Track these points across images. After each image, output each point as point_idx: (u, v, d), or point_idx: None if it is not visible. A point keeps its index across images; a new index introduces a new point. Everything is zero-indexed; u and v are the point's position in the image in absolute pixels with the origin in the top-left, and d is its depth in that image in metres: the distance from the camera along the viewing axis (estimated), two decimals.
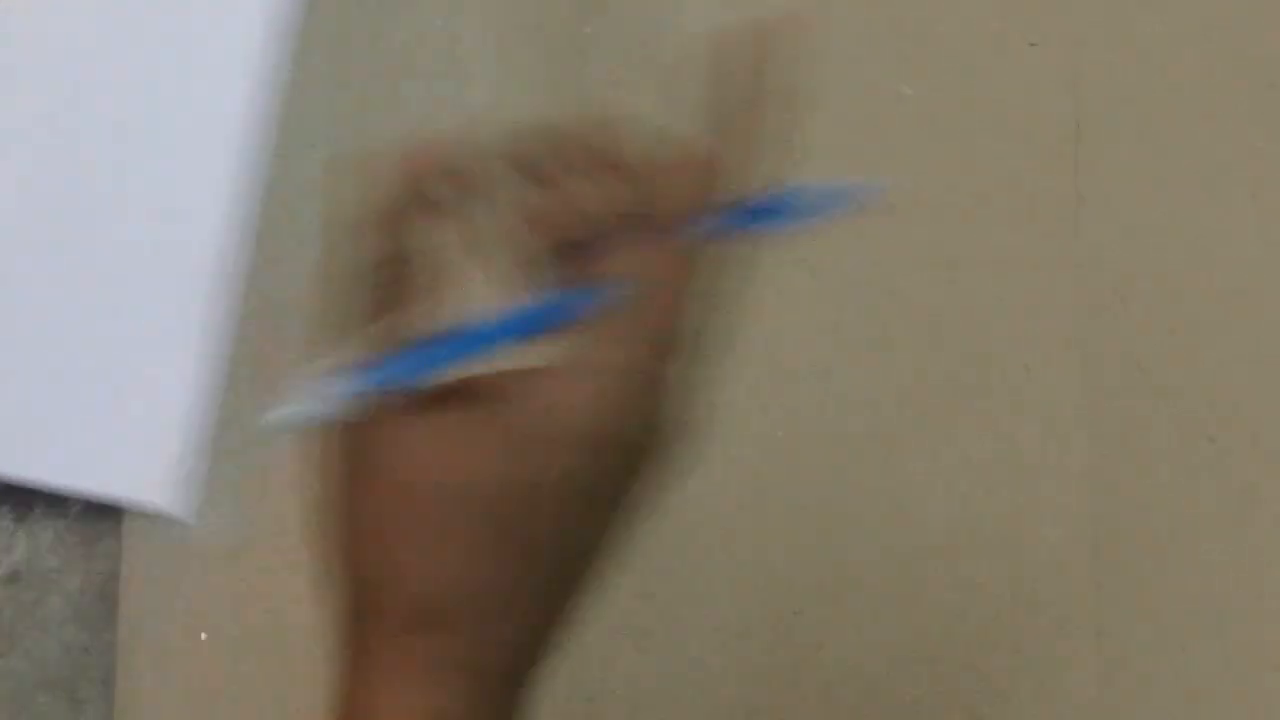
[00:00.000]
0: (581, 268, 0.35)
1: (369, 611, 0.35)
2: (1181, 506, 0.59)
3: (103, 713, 0.57)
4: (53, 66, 0.59)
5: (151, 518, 0.57)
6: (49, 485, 0.57)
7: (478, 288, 0.33)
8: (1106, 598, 0.58)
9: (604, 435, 0.34)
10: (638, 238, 0.35)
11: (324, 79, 0.59)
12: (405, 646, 0.34)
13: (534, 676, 0.35)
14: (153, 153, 0.59)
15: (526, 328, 0.35)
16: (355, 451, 0.35)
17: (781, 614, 0.57)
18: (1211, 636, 0.58)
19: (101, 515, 0.58)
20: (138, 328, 0.58)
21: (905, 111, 0.60)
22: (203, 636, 0.56)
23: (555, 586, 0.35)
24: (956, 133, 0.60)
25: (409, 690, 0.34)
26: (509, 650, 0.35)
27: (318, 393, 0.35)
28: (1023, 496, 0.58)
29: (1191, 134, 0.61)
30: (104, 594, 0.58)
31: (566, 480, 0.34)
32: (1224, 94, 0.61)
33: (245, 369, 0.58)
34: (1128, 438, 0.59)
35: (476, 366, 0.34)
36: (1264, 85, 0.61)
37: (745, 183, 0.35)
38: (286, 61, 0.59)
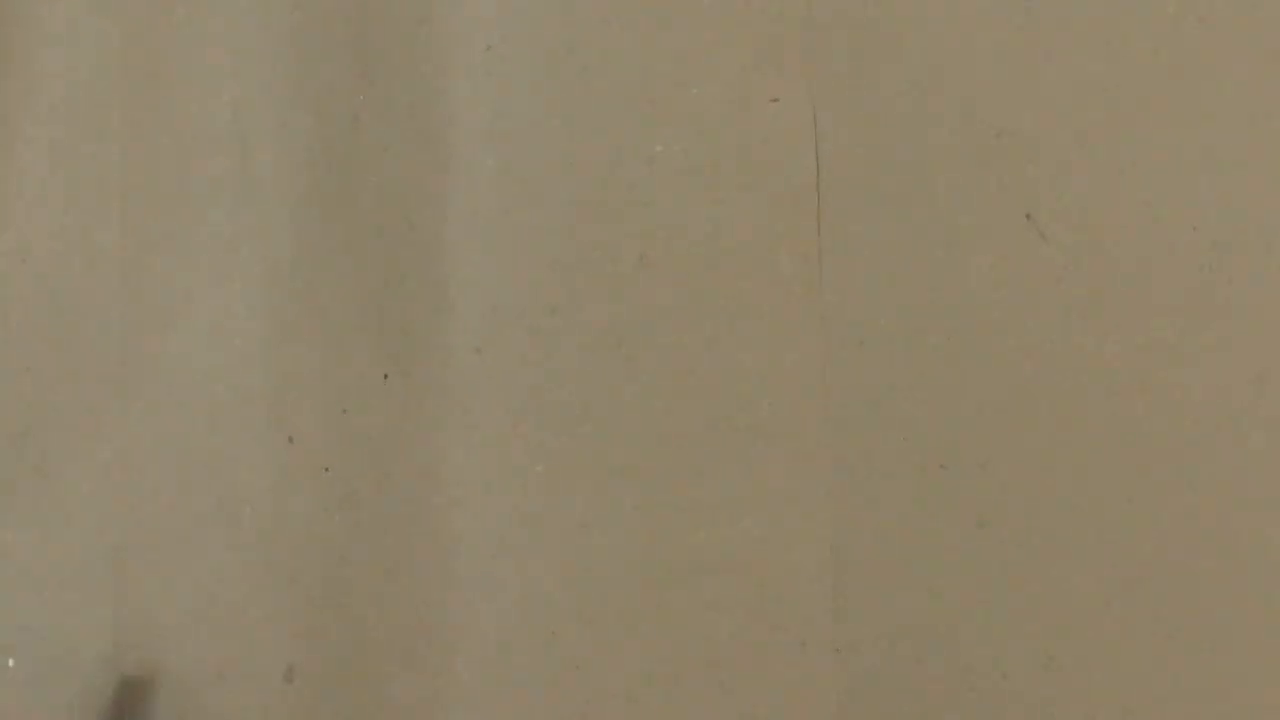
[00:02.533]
0: None
1: None
2: (916, 530, 0.63)
3: None
4: None
5: None
6: None
7: None
8: (845, 618, 0.62)
9: None
10: None
11: (114, 166, 0.64)
12: None
13: None
14: None
15: None
16: None
17: (541, 635, 0.61)
18: (943, 649, 0.62)
19: None
20: None
21: (658, 168, 0.65)
22: (10, 662, 0.62)
23: None
24: (705, 186, 0.65)
25: None
26: None
27: None
28: (766, 524, 0.63)
29: (925, 183, 0.65)
30: None
31: None
32: (953, 146, 0.65)
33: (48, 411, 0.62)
34: (867, 468, 0.63)
35: None
36: (991, 134, 0.65)
37: None
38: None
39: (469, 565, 0.62)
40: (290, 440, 0.62)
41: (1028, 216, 0.62)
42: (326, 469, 0.62)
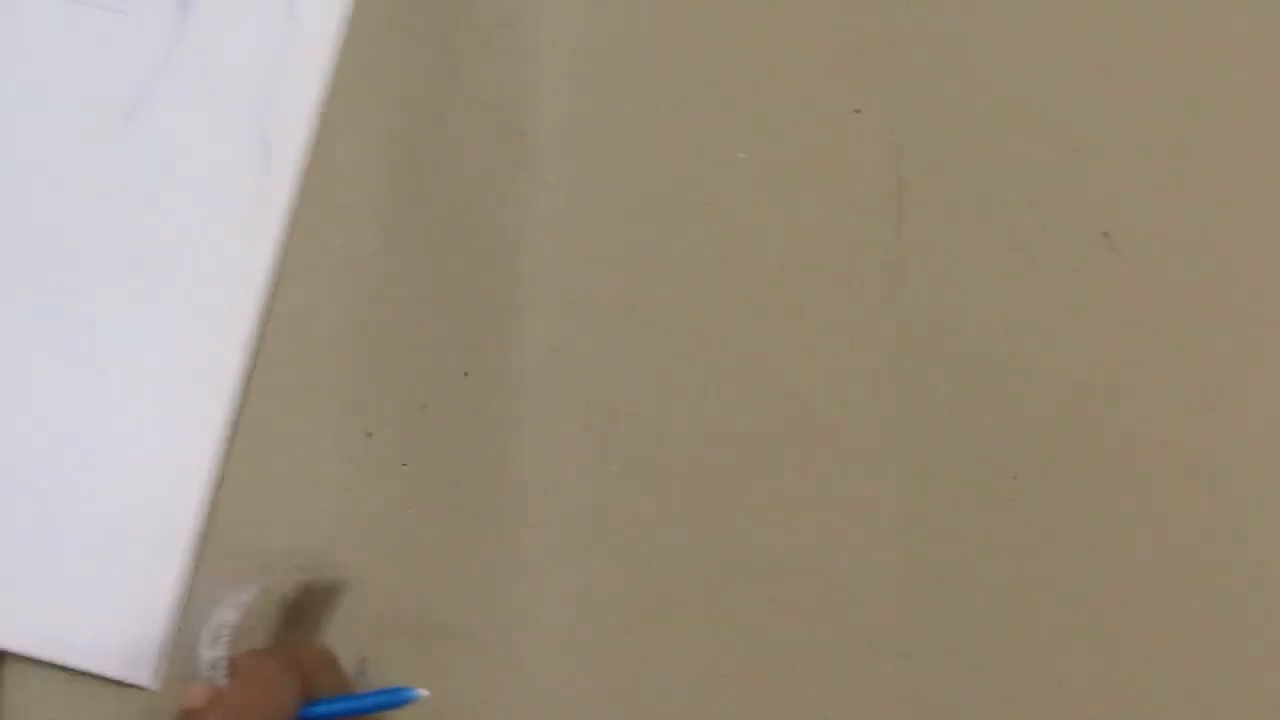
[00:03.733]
0: None
1: None
2: (984, 538, 0.64)
3: None
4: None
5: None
6: (24, 652, 0.61)
7: None
8: (912, 622, 0.63)
9: None
10: None
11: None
12: None
13: None
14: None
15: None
16: None
17: (611, 632, 0.62)
18: (1006, 658, 0.63)
19: None
20: (122, 499, 0.62)
21: (739, 173, 0.65)
22: None
23: None
24: (786, 193, 0.65)
25: None
26: None
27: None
28: (835, 527, 0.63)
29: (1003, 196, 0.66)
30: None
31: None
32: (1032, 159, 0.66)
33: None
34: (937, 475, 0.64)
35: None
36: (1069, 149, 0.66)
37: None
38: None
39: (540, 561, 0.63)
40: (368, 435, 0.63)
41: (1105, 234, 0.63)
42: (404, 464, 0.62)
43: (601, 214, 0.64)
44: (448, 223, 0.65)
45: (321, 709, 0.58)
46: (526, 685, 0.62)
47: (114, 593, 0.62)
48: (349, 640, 0.64)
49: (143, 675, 0.62)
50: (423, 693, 0.59)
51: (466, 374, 0.64)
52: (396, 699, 0.60)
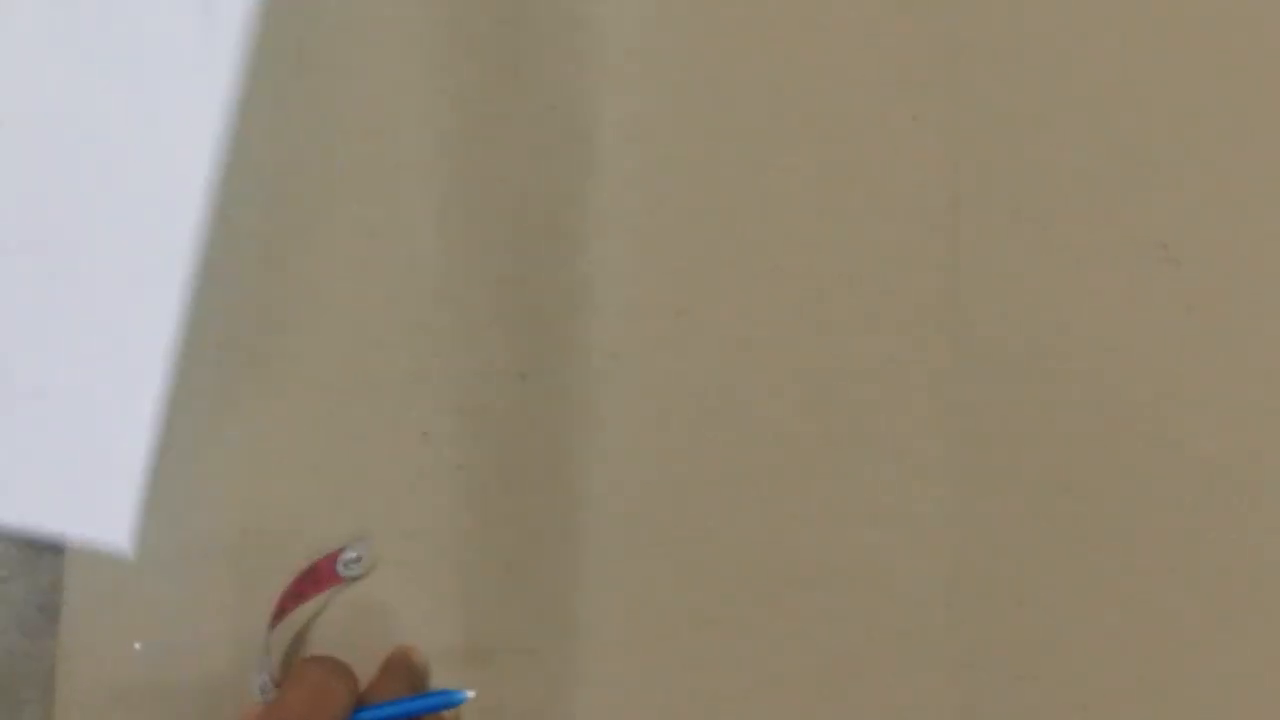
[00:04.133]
0: None
1: None
2: (1036, 548, 0.64)
3: (41, 714, 0.62)
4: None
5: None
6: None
7: None
8: (964, 631, 0.63)
9: None
10: None
11: (265, 139, 0.64)
12: None
13: None
14: (113, 192, 0.63)
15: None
16: None
17: (663, 637, 0.62)
18: (1059, 667, 0.64)
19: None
20: (90, 362, 0.62)
21: (795, 179, 0.65)
22: (136, 646, 0.62)
23: None
24: (842, 199, 0.65)
25: None
26: None
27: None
28: (889, 536, 0.64)
29: (1060, 206, 0.66)
30: (45, 605, 0.63)
31: None
32: (1091, 170, 0.66)
33: (182, 393, 0.63)
34: (989, 484, 0.64)
35: None
36: (1133, 162, 0.66)
37: None
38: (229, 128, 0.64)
39: (596, 567, 0.63)
40: (424, 436, 0.62)
41: (1163, 245, 0.63)
42: (460, 466, 0.62)
43: (660, 218, 0.64)
44: (508, 226, 0.65)
45: (371, 713, 0.58)
46: (580, 691, 0.63)
47: (86, 459, 0.62)
48: (402, 642, 0.63)
49: (121, 540, 0.61)
50: (470, 694, 0.59)
51: (524, 377, 0.64)
52: (446, 701, 0.60)
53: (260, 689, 0.60)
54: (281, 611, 0.62)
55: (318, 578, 0.63)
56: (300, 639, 0.64)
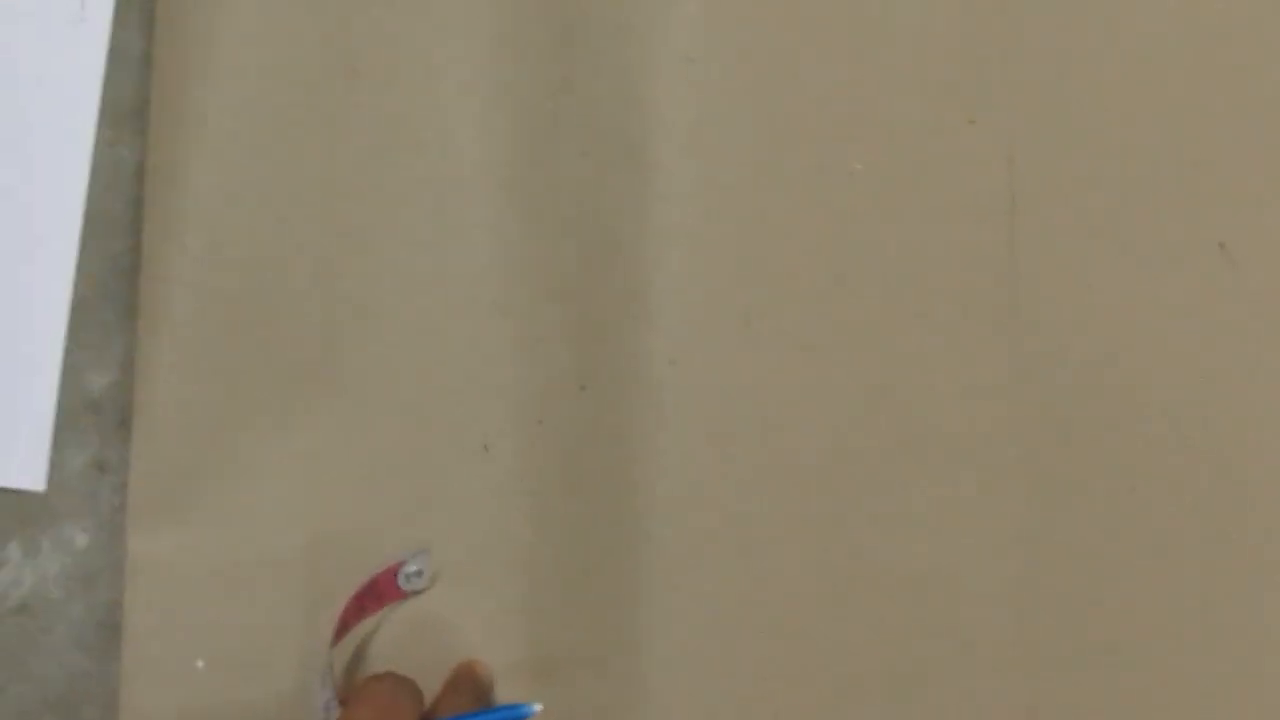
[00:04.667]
0: None
1: None
2: (1105, 552, 0.64)
3: None
4: None
5: (153, 554, 0.61)
6: None
7: None
8: (1035, 637, 0.63)
9: None
10: None
11: (318, 154, 0.64)
12: None
13: None
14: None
15: None
16: None
17: (731, 646, 0.62)
18: (1137, 673, 0.63)
19: (106, 550, 0.62)
20: None
21: (856, 184, 0.65)
22: (199, 664, 0.61)
23: None
24: (901, 204, 0.65)
25: None
26: None
27: None
28: (957, 541, 0.63)
29: (1119, 210, 0.66)
30: (106, 624, 0.62)
31: None
32: (1150, 172, 0.66)
33: (243, 409, 0.62)
34: (1057, 488, 0.64)
35: None
36: (1189, 163, 0.66)
37: None
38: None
39: (660, 575, 0.62)
40: (485, 448, 0.62)
41: (1221, 245, 0.63)
42: (521, 478, 0.62)
43: (718, 225, 0.64)
44: (563, 236, 0.64)
45: None
46: (647, 702, 0.62)
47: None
48: (465, 656, 0.63)
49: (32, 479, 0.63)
50: (538, 707, 0.59)
51: (584, 388, 0.63)
52: (514, 715, 0.59)
53: (325, 707, 0.60)
54: (344, 627, 0.62)
55: (378, 592, 0.63)
56: (362, 655, 0.63)
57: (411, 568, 0.63)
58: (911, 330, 0.64)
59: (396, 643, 0.64)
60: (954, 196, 0.65)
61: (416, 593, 0.63)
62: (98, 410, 0.64)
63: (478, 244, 0.65)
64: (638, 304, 0.64)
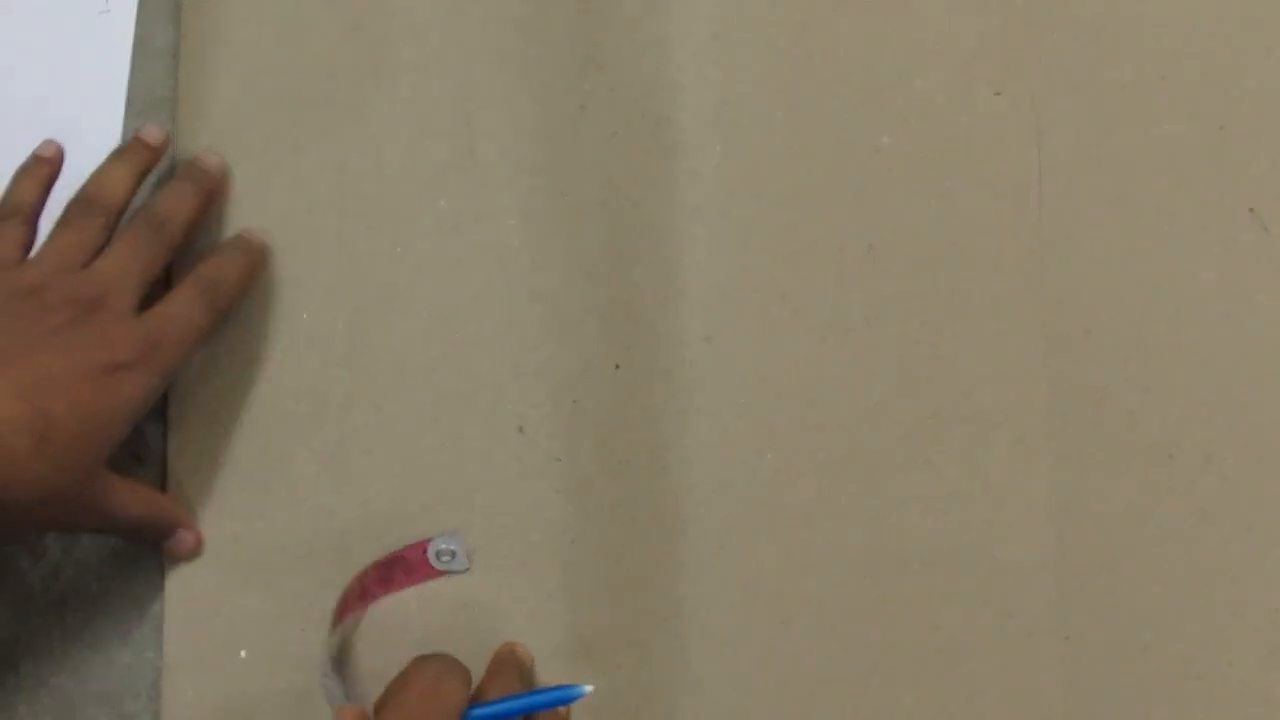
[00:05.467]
0: None
1: None
2: (1141, 520, 0.64)
3: None
4: None
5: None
6: None
7: None
8: (1072, 606, 0.63)
9: None
10: None
11: (346, 141, 0.64)
12: None
13: None
14: None
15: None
16: None
17: (771, 624, 0.62)
18: (1169, 640, 0.63)
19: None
20: None
21: (884, 158, 0.65)
22: (242, 654, 0.61)
23: None
24: (930, 178, 0.65)
25: None
26: None
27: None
28: (992, 513, 0.63)
29: (1146, 177, 0.66)
30: (147, 615, 0.62)
31: None
32: (1178, 138, 0.66)
33: (277, 398, 0.62)
34: (1091, 458, 0.64)
35: None
36: (1214, 127, 0.66)
37: None
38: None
39: (698, 554, 0.62)
40: (520, 430, 0.62)
41: (1251, 210, 0.63)
42: (558, 459, 0.62)
43: (748, 202, 0.64)
44: (594, 215, 0.64)
45: (487, 709, 0.58)
46: (687, 680, 0.62)
47: None
48: (506, 639, 0.63)
49: None
50: (589, 689, 0.59)
51: (618, 367, 0.63)
52: (563, 697, 0.59)
53: (326, 694, 0.59)
54: (364, 596, 0.61)
55: (408, 566, 0.62)
56: (402, 639, 0.63)
57: (443, 545, 0.62)
58: (942, 303, 0.64)
59: (436, 626, 0.63)
60: (982, 168, 0.65)
61: (453, 573, 0.63)
62: None
63: (507, 227, 0.65)
64: (670, 283, 0.64)
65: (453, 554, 0.62)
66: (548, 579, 0.63)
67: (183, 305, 0.59)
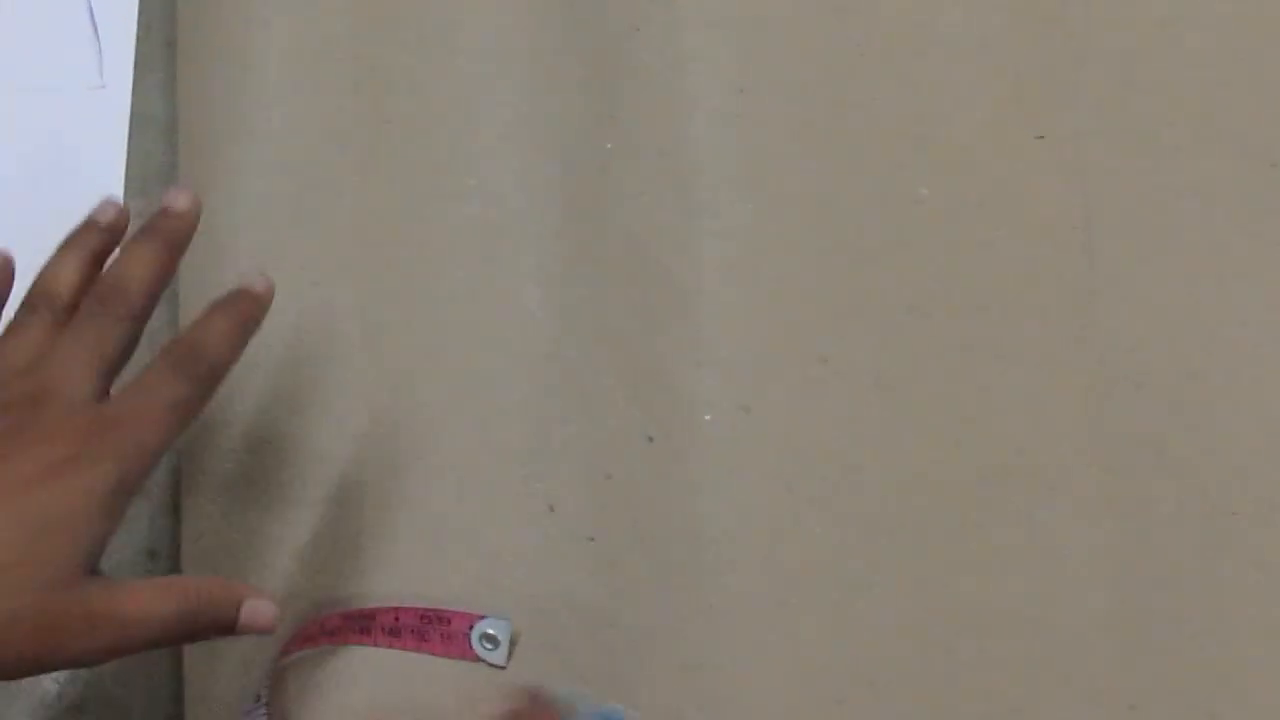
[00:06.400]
0: None
1: None
2: (1205, 578, 0.61)
3: None
4: None
5: (211, 647, 0.59)
6: None
7: None
8: (1135, 671, 0.60)
9: None
10: None
11: (351, 206, 0.61)
12: None
13: None
14: None
15: None
16: None
17: (825, 702, 0.59)
18: (1237, 703, 0.60)
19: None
20: None
21: (922, 211, 0.62)
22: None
23: None
24: (971, 229, 0.62)
25: None
26: None
27: None
28: (1049, 575, 0.60)
29: (1197, 218, 0.63)
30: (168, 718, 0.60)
31: None
32: (1228, 177, 0.63)
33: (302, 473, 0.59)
34: (1149, 514, 0.61)
35: None
36: (1265, 165, 0.63)
37: None
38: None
39: (743, 632, 0.60)
40: (551, 509, 0.59)
41: None
42: (590, 538, 0.59)
43: (782, 261, 0.61)
44: (619, 279, 0.61)
45: None
46: None
47: None
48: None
49: None
50: (632, 712, 0.57)
51: (651, 439, 0.60)
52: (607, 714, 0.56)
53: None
54: (387, 635, 0.58)
55: (449, 636, 0.59)
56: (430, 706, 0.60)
57: (490, 629, 0.59)
58: (988, 359, 0.61)
59: (466, 700, 0.60)
60: (1025, 216, 0.62)
61: (488, 665, 0.60)
62: (147, 496, 0.61)
63: (528, 295, 0.62)
64: (703, 349, 0.61)
65: (496, 643, 0.59)
66: (578, 662, 0.60)
67: (152, 379, 0.52)
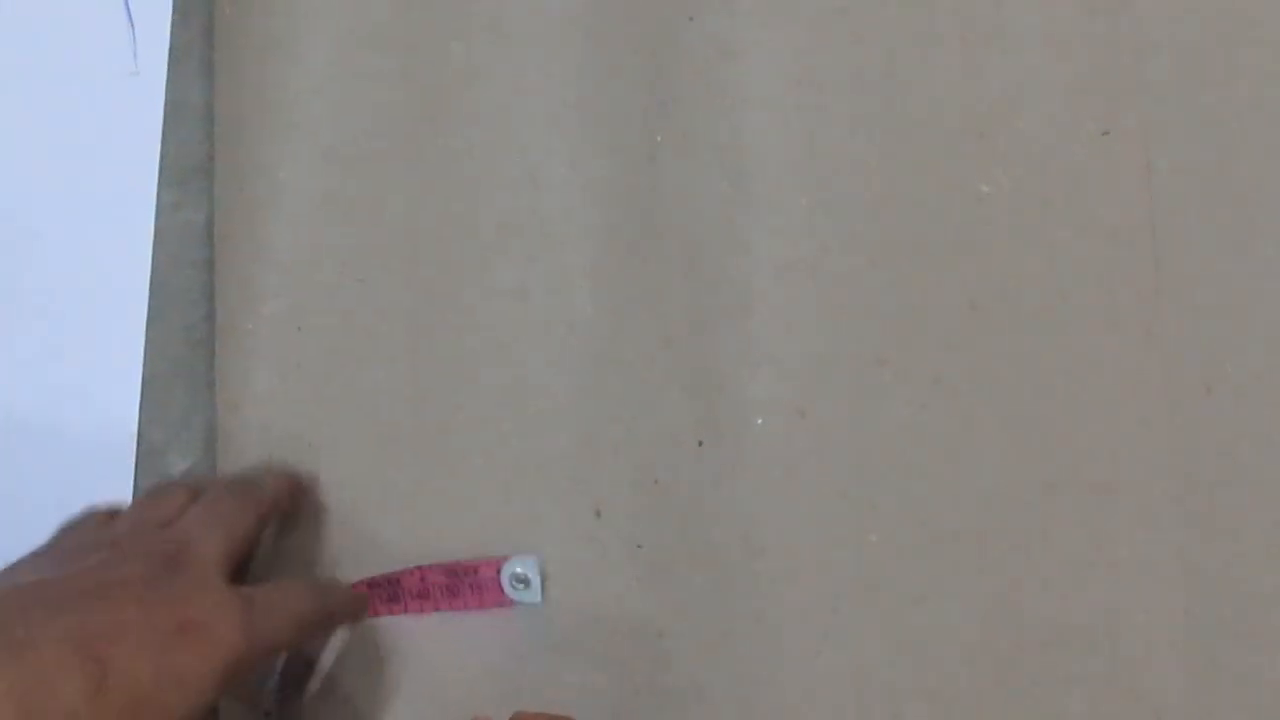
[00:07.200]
0: None
1: None
2: (1278, 590, 0.58)
3: None
4: None
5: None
6: None
7: None
8: (1205, 686, 0.58)
9: None
10: None
11: (402, 201, 0.59)
12: None
13: None
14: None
15: None
16: None
17: (881, 717, 0.57)
18: None
19: None
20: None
21: (985, 208, 0.60)
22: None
23: None
24: (1034, 227, 0.60)
25: None
26: None
27: None
28: (1116, 587, 0.58)
29: (1267, 216, 0.60)
30: None
31: None
32: None
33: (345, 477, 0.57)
34: (1220, 524, 0.59)
35: None
36: None
37: None
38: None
39: (798, 644, 0.57)
40: (598, 514, 0.57)
41: None
42: (639, 545, 0.56)
43: (839, 259, 0.58)
44: (671, 277, 0.59)
45: None
46: None
47: None
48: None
49: None
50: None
51: (701, 444, 0.58)
52: None
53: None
54: (422, 596, 0.56)
55: (479, 585, 0.57)
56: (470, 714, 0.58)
57: (518, 568, 0.57)
58: (1053, 362, 0.59)
59: (510, 709, 0.58)
60: (1090, 213, 0.60)
61: (524, 604, 0.58)
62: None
63: (578, 292, 0.60)
64: (757, 350, 0.59)
65: (527, 582, 0.56)
66: (626, 671, 0.58)
67: (290, 586, 0.55)
